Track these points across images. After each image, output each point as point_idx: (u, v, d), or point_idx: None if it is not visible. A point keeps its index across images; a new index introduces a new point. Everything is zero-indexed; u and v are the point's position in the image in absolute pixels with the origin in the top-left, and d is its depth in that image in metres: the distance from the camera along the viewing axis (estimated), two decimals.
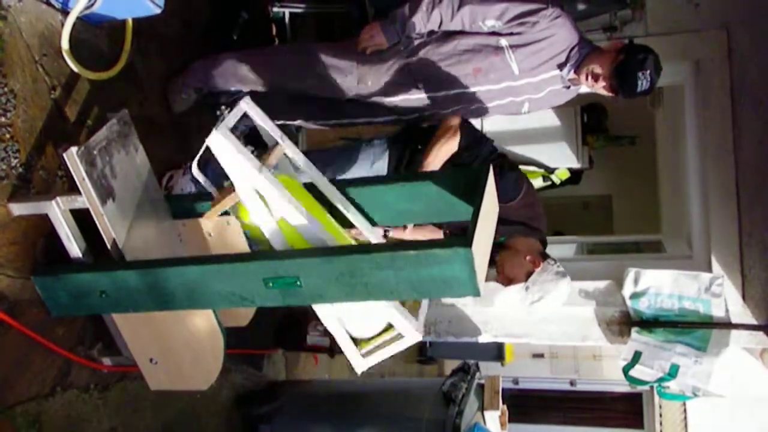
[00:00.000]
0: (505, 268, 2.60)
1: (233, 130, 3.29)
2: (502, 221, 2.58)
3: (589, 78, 2.48)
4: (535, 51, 2.49)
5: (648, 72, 2.39)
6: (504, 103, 2.65)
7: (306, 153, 2.85)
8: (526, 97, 2.63)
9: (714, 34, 3.26)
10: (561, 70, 2.54)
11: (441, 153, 2.56)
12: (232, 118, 1.83)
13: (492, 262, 2.59)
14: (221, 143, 1.74)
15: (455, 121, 2.59)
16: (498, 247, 2.61)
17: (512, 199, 2.57)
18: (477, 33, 2.53)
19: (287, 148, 1.97)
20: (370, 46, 2.60)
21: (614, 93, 2.49)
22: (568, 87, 2.62)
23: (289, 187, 1.81)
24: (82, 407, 2.30)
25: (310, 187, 2.01)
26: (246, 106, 1.92)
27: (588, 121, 5.82)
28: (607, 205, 7.30)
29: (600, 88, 2.51)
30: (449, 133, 2.57)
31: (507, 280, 2.60)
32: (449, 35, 2.57)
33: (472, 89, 2.59)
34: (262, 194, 1.76)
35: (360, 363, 1.85)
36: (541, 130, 5.72)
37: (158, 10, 2.21)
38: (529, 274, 2.54)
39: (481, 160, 2.59)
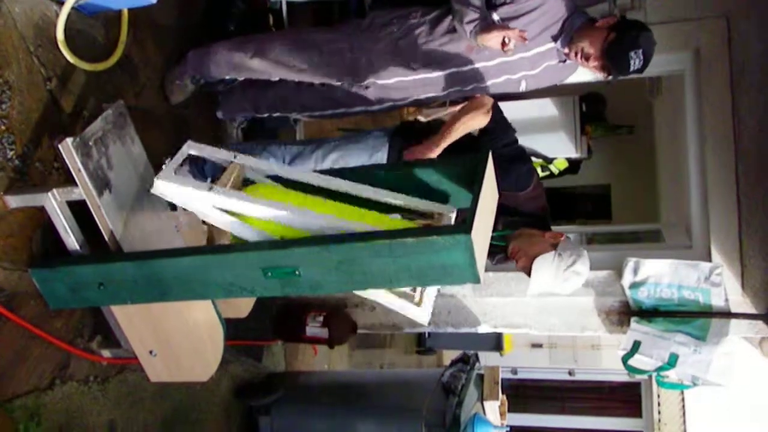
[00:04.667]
0: (528, 249, 2.41)
1: (232, 120, 3.29)
2: (514, 212, 2.55)
3: (579, 57, 2.44)
4: (527, 23, 2.43)
5: (640, 51, 2.34)
6: (500, 81, 2.61)
7: (306, 142, 2.85)
8: (522, 74, 2.58)
9: (714, 23, 3.25)
10: (556, 42, 2.49)
11: (467, 125, 2.49)
12: (174, 163, 1.86)
13: (507, 257, 2.53)
14: (166, 188, 1.79)
15: (489, 100, 2.53)
16: (505, 239, 2.54)
17: (525, 187, 2.55)
18: None
19: (245, 161, 1.96)
20: (511, 41, 2.38)
21: (606, 73, 2.44)
22: (565, 61, 2.57)
23: (268, 193, 1.84)
24: (82, 400, 2.29)
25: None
26: (189, 148, 1.94)
27: (586, 110, 5.82)
28: (605, 194, 7.30)
29: (591, 68, 2.47)
30: (482, 109, 2.50)
31: (531, 260, 2.39)
32: (443, 15, 2.54)
33: (466, 68, 2.56)
34: (226, 208, 1.78)
35: (421, 314, 1.83)
36: (539, 120, 5.71)
37: (154, 0, 2.19)
38: (554, 246, 2.38)
39: (501, 146, 2.54)
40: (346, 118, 3.17)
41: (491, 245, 2.52)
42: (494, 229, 2.46)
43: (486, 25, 2.39)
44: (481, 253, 1.54)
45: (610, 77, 2.45)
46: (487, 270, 2.14)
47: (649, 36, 2.39)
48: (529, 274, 2.37)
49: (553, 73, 2.63)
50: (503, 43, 2.36)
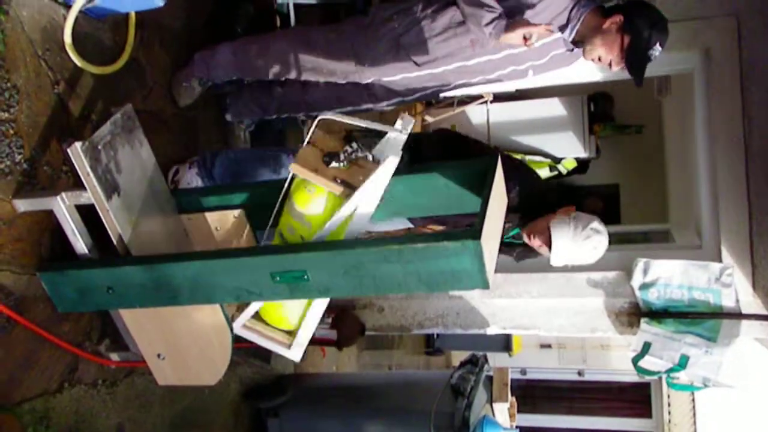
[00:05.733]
0: (541, 223, 2.38)
1: (240, 122, 3.27)
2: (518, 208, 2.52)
3: (599, 63, 2.43)
4: (531, 16, 2.39)
5: (657, 46, 2.33)
6: (507, 72, 2.59)
7: None
8: (529, 64, 2.56)
9: (724, 21, 3.22)
10: (563, 33, 2.45)
11: None
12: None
13: (527, 248, 2.53)
14: None
15: None
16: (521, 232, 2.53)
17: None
18: None
19: None
20: (532, 36, 2.36)
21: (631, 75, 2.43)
22: (572, 50, 2.53)
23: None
24: (90, 403, 2.29)
25: None
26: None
27: (595, 110, 5.79)
28: (614, 194, 7.25)
29: (616, 70, 2.45)
30: None
31: (547, 230, 2.36)
32: (444, 8, 2.50)
33: (472, 61, 2.53)
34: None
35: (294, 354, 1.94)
36: (547, 120, 5.69)
37: (161, 3, 2.19)
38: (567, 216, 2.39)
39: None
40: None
41: (509, 241, 2.52)
42: (507, 228, 2.47)
43: (508, 24, 2.35)
44: (490, 258, 1.53)
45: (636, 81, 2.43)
46: (497, 271, 2.17)
47: (661, 25, 2.36)
48: (549, 246, 2.34)
49: (561, 60, 2.59)
50: (525, 38, 2.33)
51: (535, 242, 2.41)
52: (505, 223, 2.45)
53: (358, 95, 2.76)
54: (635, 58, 2.35)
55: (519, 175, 2.56)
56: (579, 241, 2.30)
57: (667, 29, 2.38)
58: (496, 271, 2.13)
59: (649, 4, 2.41)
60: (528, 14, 2.39)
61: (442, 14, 2.50)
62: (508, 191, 2.45)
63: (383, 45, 2.57)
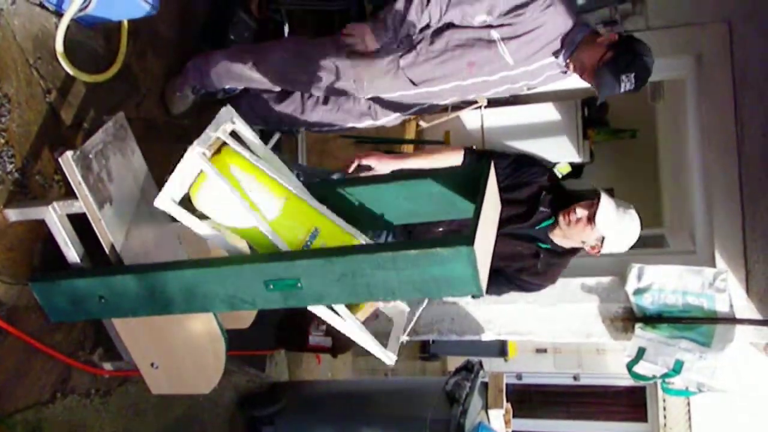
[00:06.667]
0: (582, 203, 2.48)
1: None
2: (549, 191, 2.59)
3: (576, 69, 2.44)
4: (528, 41, 2.42)
5: (632, 75, 2.31)
6: (501, 90, 2.63)
7: (320, 169, 2.92)
8: (524, 83, 2.59)
9: (716, 28, 3.24)
10: (557, 57, 2.47)
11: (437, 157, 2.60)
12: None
13: (549, 255, 2.58)
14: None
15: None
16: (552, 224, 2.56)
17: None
18: (468, 27, 2.49)
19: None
20: (359, 47, 2.56)
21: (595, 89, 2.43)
22: (565, 72, 2.55)
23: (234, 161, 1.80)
24: (83, 413, 2.28)
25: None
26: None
27: (589, 114, 5.80)
28: None
29: (584, 80, 2.46)
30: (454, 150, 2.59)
31: (592, 203, 2.46)
32: (440, 31, 2.53)
33: (469, 81, 2.56)
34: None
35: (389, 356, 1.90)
36: (542, 125, 5.69)
37: (153, 11, 2.18)
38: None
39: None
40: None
41: (537, 247, 2.54)
42: (534, 223, 2.54)
43: (373, 27, 2.52)
44: (483, 264, 1.52)
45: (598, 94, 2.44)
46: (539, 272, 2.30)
47: (646, 61, 2.35)
48: (592, 217, 2.41)
49: (555, 79, 2.63)
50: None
51: (577, 213, 2.45)
52: (537, 211, 2.52)
53: (356, 111, 2.77)
54: (606, 72, 2.34)
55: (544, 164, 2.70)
56: (621, 211, 2.45)
57: (649, 70, 2.37)
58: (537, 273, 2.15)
59: (649, 48, 2.41)
60: (523, 39, 2.41)
61: (439, 37, 2.52)
62: (541, 173, 2.60)
63: (381, 65, 2.58)
